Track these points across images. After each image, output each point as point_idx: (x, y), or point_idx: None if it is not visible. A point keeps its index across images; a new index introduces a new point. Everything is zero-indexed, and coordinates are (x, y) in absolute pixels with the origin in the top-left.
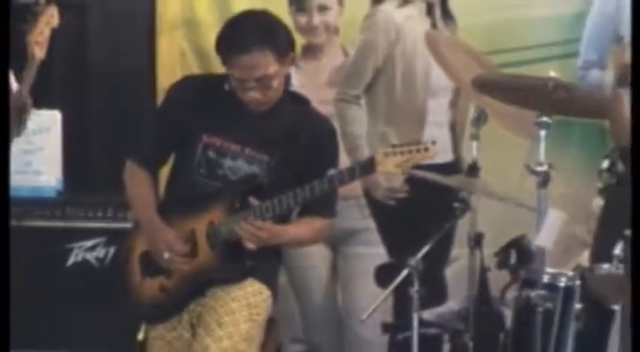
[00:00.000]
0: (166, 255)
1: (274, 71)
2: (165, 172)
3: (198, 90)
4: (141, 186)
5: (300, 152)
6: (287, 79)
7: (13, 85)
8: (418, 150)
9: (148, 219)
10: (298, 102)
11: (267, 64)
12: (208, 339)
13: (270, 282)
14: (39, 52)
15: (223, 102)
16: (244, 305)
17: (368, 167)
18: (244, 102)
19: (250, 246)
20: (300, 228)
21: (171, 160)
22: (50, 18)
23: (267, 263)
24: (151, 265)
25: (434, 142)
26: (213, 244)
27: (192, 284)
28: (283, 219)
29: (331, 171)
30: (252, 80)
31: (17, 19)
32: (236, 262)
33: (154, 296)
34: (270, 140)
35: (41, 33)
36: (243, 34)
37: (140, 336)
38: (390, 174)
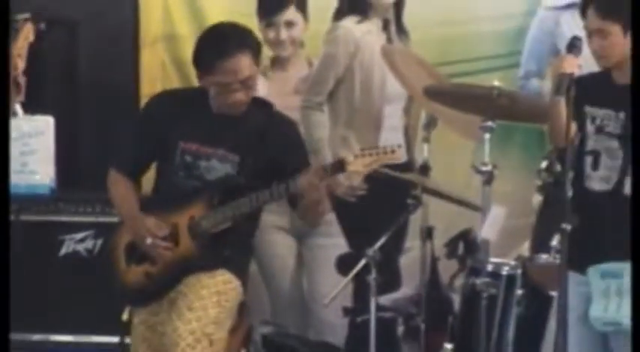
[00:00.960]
0: (149, 241)
1: (254, 72)
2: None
3: (172, 103)
4: (123, 192)
5: (268, 151)
6: None
7: None
8: (385, 153)
9: (131, 217)
10: (263, 106)
11: (249, 65)
12: (178, 322)
13: (240, 273)
14: (20, 63)
15: (196, 110)
16: (214, 292)
17: (339, 167)
18: (225, 106)
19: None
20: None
21: (155, 165)
22: (27, 33)
23: (240, 254)
24: (137, 253)
25: (399, 146)
26: (194, 235)
27: (174, 272)
28: (256, 213)
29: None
30: (237, 82)
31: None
32: (214, 251)
33: (138, 282)
34: (240, 142)
35: (22, 46)
36: (224, 41)
37: (124, 317)
38: (358, 173)
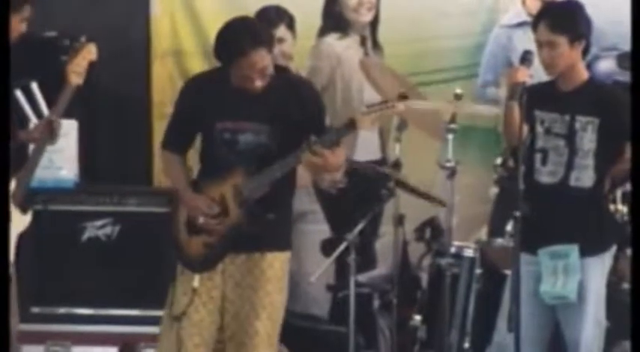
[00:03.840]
0: (201, 220)
1: (269, 61)
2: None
3: (203, 86)
4: (173, 167)
5: (292, 116)
6: None
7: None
8: (387, 107)
9: (183, 192)
10: (282, 73)
11: (263, 58)
12: (254, 296)
13: (286, 243)
14: (76, 79)
15: (225, 90)
16: (276, 270)
17: (351, 126)
18: (249, 89)
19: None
20: (336, 155)
21: (200, 144)
22: (88, 53)
23: (282, 215)
24: (195, 226)
25: (404, 95)
26: (240, 204)
27: (229, 240)
28: (290, 175)
29: (326, 134)
30: (255, 73)
31: (59, 52)
32: (260, 215)
33: (199, 251)
34: (267, 113)
35: (79, 64)
36: (239, 41)
37: (195, 284)
38: (368, 129)
